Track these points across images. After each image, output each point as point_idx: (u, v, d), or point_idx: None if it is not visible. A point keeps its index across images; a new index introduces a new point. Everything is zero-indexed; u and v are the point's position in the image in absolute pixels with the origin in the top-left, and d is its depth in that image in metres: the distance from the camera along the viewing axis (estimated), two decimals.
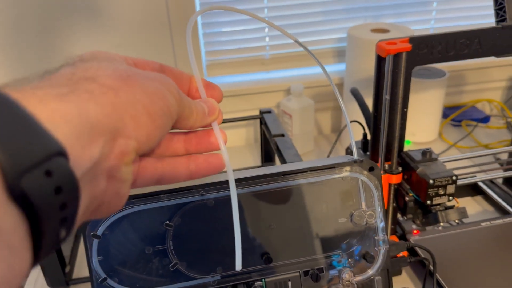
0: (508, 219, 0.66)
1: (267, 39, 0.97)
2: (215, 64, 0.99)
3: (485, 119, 1.02)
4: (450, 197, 0.52)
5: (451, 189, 0.52)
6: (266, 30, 0.97)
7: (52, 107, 0.19)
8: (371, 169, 0.44)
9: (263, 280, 0.42)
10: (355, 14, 0.98)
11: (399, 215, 0.61)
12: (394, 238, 0.64)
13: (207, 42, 0.95)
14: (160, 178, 0.28)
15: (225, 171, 0.30)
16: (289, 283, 0.43)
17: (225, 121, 0.84)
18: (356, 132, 0.68)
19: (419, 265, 0.62)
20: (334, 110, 1.04)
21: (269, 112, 0.84)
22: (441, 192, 0.51)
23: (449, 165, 0.63)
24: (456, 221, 0.63)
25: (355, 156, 0.44)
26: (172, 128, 0.27)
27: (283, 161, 0.68)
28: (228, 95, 0.97)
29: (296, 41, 0.40)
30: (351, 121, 0.79)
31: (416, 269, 0.62)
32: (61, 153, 0.18)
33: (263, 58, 1.00)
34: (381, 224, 0.44)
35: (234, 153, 1.01)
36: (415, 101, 0.92)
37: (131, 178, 0.24)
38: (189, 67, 0.97)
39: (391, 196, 0.57)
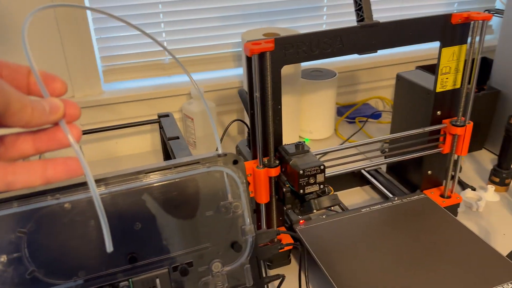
0: (386, 204, 0.72)
1: (165, 43, 0.97)
2: (112, 69, 0.97)
3: (376, 115, 1.11)
4: (321, 185, 0.56)
5: (320, 177, 0.55)
6: (164, 35, 0.97)
7: None
8: (235, 162, 0.46)
9: (129, 280, 0.42)
10: (251, 19, 1.02)
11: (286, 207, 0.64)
12: (283, 229, 0.67)
13: (102, 47, 0.93)
14: (11, 183, 0.27)
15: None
16: (157, 280, 0.43)
17: (125, 126, 0.83)
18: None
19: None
20: (239, 112, 1.06)
21: (167, 116, 0.85)
22: (312, 181, 0.55)
23: (333, 156, 0.67)
24: (332, 209, 0.68)
25: (220, 151, 0.45)
26: (3, 126, 0.26)
27: None
28: (129, 100, 0.96)
29: (165, 49, 0.40)
30: (236, 120, 0.83)
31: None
32: None
33: (163, 63, 1.00)
34: (246, 214, 0.46)
35: (139, 158, 1.00)
36: (309, 101, 0.98)
37: None
38: (85, 70, 0.93)
39: (273, 189, 0.60)
